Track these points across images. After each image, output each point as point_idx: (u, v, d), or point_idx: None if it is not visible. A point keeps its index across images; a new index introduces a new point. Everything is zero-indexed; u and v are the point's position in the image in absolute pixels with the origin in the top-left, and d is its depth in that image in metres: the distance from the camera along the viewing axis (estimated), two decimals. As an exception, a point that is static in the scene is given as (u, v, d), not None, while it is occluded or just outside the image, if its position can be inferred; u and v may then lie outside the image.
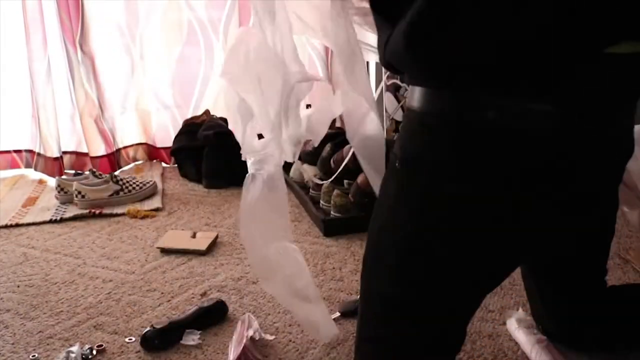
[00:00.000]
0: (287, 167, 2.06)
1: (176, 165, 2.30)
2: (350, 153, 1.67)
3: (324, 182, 1.33)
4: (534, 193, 0.72)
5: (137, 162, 2.44)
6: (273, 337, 1.12)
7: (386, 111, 2.39)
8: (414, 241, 0.77)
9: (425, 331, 0.79)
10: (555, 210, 0.75)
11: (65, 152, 2.29)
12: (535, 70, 0.67)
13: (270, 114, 1.07)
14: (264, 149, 1.14)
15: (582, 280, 0.99)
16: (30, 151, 2.31)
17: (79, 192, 1.86)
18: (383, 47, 0.81)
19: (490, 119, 0.69)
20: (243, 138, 1.14)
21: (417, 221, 0.77)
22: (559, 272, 0.98)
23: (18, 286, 1.36)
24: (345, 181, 1.77)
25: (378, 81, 2.54)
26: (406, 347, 0.80)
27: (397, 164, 0.79)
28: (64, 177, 2.04)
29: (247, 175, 1.15)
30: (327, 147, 1.79)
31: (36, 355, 1.08)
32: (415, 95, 0.77)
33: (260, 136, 1.13)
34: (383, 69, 2.40)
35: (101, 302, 1.27)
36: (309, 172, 1.90)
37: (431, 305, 0.78)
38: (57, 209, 1.86)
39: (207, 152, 2.08)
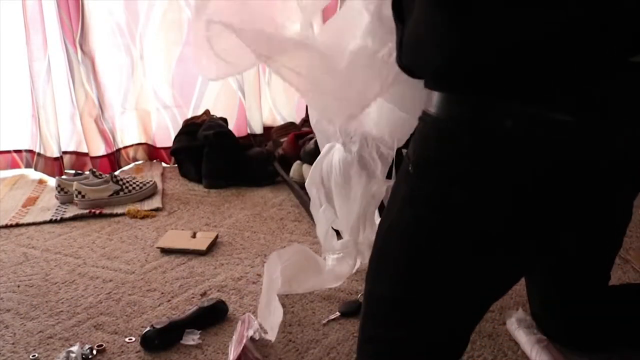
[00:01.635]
0: (287, 166, 2.06)
1: (176, 165, 2.30)
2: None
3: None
4: (545, 203, 0.71)
5: (137, 162, 2.44)
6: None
7: (386, 111, 2.38)
8: (418, 245, 0.77)
9: (424, 336, 0.79)
10: (565, 220, 0.74)
11: (65, 152, 2.29)
12: (555, 77, 0.65)
13: (351, 216, 1.24)
14: (343, 249, 1.30)
15: (584, 282, 0.99)
16: (30, 151, 2.30)
17: (79, 192, 1.86)
18: (398, 48, 0.80)
19: (506, 127, 0.68)
20: (325, 239, 1.30)
21: (422, 225, 0.77)
22: (563, 274, 0.98)
23: (18, 286, 1.36)
24: (345, 181, 1.76)
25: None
26: (406, 349, 0.79)
27: (409, 168, 0.78)
28: (64, 177, 2.04)
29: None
30: (327, 147, 1.78)
31: (36, 355, 1.08)
32: (430, 100, 0.76)
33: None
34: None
35: (101, 302, 1.27)
36: (309, 172, 1.90)
37: (431, 311, 0.78)
38: (57, 209, 1.86)
39: (207, 152, 2.08)
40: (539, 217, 0.72)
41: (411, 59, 0.78)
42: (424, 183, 0.76)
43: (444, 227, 0.74)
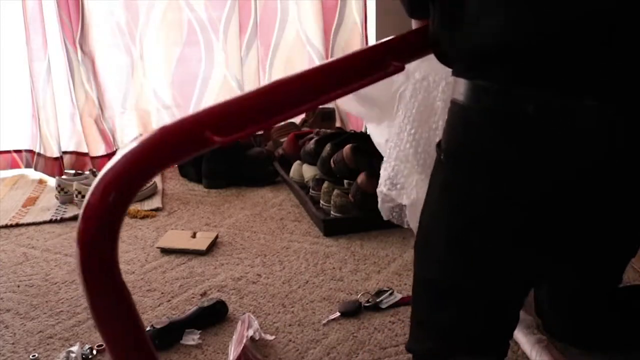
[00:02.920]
0: (287, 166, 2.06)
1: (176, 165, 2.30)
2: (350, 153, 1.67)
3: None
4: (573, 194, 0.70)
5: (137, 162, 2.43)
6: (273, 337, 1.12)
7: (386, 111, 2.38)
8: (456, 233, 0.79)
9: (471, 319, 0.80)
10: (593, 213, 0.73)
11: (65, 152, 2.29)
12: (581, 61, 0.64)
13: None
14: None
15: (596, 281, 0.99)
16: (30, 151, 2.30)
17: (79, 192, 1.86)
18: (439, 22, 0.79)
19: (530, 114, 0.67)
20: None
21: (458, 215, 0.78)
22: (576, 272, 0.98)
23: (18, 286, 1.36)
24: (345, 181, 1.77)
25: (378, 81, 2.53)
26: (455, 333, 0.81)
27: (441, 157, 0.79)
28: (64, 177, 2.04)
29: None
30: (327, 147, 1.79)
31: (36, 355, 1.08)
32: (457, 88, 0.76)
33: None
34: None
35: (101, 302, 1.27)
36: (309, 172, 1.90)
37: (473, 295, 0.79)
38: (57, 209, 1.86)
39: (207, 153, 2.08)
40: (563, 208, 0.72)
41: (449, 36, 0.77)
42: (454, 173, 0.77)
43: (474, 217, 0.76)
